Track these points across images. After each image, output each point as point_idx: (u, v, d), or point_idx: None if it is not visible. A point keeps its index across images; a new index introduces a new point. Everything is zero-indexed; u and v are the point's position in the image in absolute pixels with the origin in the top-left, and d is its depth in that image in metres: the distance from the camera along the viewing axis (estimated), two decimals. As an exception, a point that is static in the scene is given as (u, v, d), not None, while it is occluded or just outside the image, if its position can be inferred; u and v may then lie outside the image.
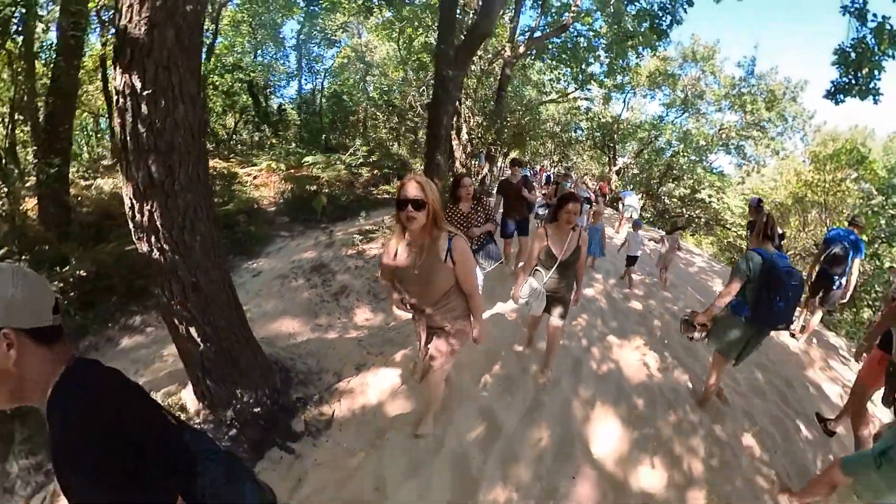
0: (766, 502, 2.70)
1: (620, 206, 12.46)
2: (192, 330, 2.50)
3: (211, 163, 8.80)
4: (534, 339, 4.01)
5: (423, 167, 7.45)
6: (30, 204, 6.07)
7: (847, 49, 5.48)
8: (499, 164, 14.62)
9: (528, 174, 10.34)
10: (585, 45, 12.79)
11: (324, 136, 13.61)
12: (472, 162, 13.12)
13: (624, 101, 22.75)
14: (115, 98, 1.97)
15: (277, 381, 3.06)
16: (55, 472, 0.90)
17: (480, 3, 7.58)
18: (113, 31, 4.83)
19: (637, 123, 22.51)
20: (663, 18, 8.52)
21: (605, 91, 18.24)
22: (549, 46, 13.22)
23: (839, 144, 12.79)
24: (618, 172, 22.70)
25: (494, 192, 5.68)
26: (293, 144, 12.98)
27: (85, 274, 4.54)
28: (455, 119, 11.32)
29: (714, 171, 20.95)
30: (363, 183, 10.39)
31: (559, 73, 14.70)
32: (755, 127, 19.28)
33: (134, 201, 2.07)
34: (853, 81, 5.49)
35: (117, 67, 1.91)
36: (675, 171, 20.87)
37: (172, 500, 0.94)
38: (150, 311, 4.50)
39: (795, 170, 13.73)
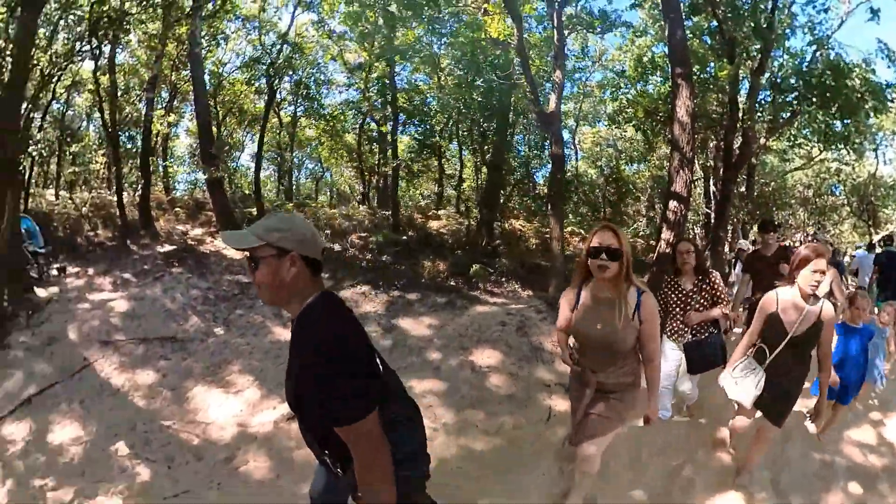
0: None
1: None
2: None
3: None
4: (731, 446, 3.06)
5: (710, 238, 10.85)
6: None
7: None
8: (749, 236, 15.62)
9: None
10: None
11: (597, 209, 18.15)
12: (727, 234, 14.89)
13: (876, 153, 19.37)
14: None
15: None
16: (301, 363, 1.27)
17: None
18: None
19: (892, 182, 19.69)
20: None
21: (856, 145, 15.28)
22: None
23: None
24: (882, 241, 19.79)
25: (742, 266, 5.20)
26: (569, 215, 16.40)
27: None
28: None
29: None
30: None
31: (800, 139, 13.55)
32: None
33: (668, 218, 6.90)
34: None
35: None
36: (957, 232, 18.08)
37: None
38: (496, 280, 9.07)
39: None
